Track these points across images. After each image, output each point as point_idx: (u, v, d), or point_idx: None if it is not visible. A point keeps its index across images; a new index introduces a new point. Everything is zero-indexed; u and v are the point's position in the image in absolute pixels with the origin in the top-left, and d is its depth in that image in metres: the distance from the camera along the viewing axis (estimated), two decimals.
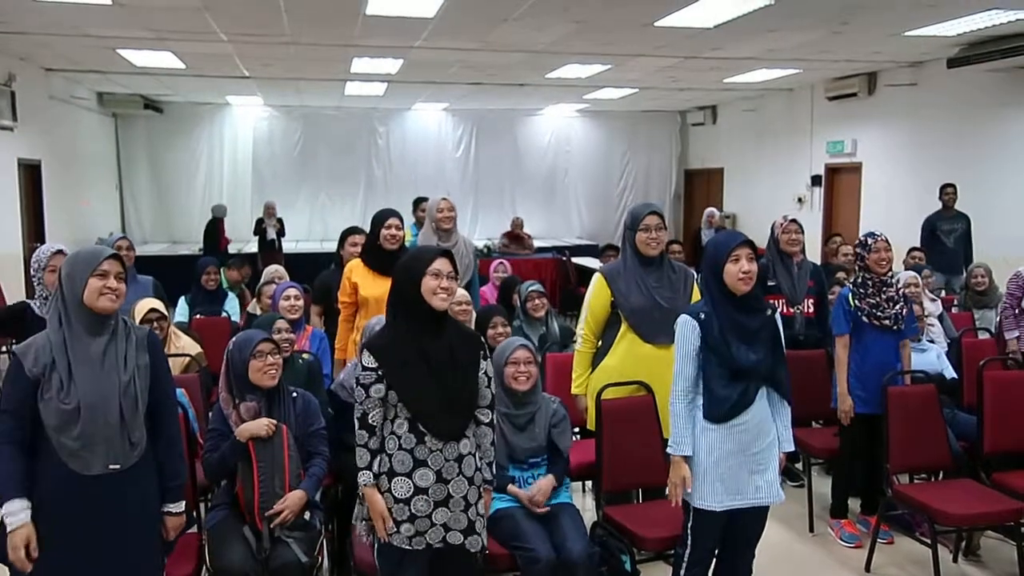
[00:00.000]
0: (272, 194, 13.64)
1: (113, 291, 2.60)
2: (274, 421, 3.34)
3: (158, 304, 4.32)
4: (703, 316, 3.12)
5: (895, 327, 4.37)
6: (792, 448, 3.25)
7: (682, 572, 3.23)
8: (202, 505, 3.82)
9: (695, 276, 4.01)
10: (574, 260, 11.80)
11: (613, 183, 15.98)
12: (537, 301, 5.50)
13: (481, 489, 2.95)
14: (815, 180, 12.12)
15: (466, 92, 12.51)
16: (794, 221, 5.17)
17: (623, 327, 3.85)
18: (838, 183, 11.89)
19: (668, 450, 3.18)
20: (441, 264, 2.82)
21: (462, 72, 10.54)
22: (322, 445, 3.51)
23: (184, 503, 2.84)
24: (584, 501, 4.90)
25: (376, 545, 2.90)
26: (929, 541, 3.90)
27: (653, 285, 3.81)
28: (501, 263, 7.36)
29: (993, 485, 4.11)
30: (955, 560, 4.28)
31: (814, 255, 7.55)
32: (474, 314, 4.83)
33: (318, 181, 14.83)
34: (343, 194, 14.86)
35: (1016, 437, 4.29)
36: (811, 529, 4.67)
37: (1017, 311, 5.52)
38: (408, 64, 9.84)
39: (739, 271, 3.05)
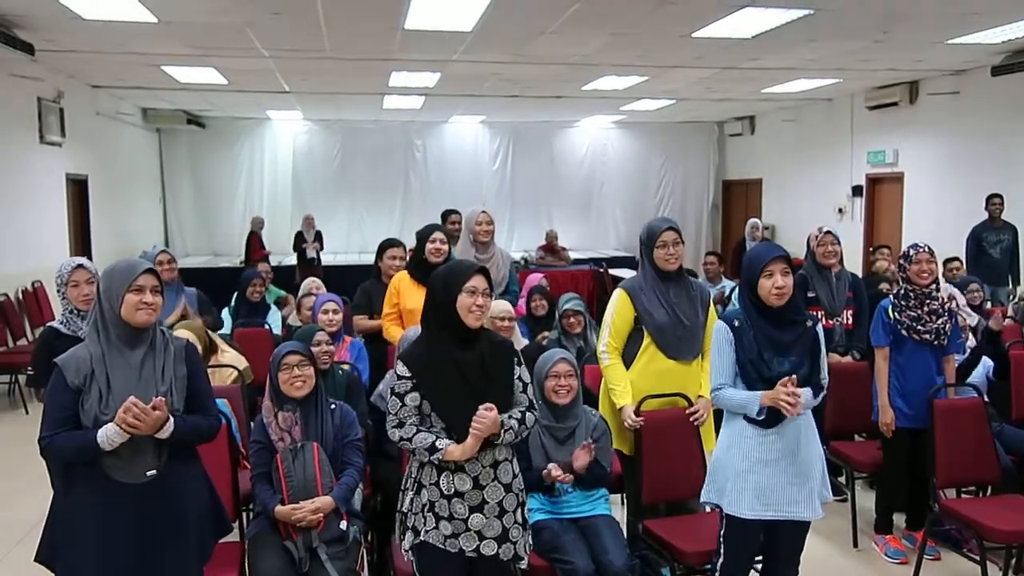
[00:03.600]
0: (311, 207, 13.82)
1: (149, 305, 2.65)
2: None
3: (194, 337, 4.09)
4: (737, 323, 3.12)
5: (936, 342, 4.29)
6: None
7: None
8: (245, 514, 3.85)
9: (711, 293, 4.01)
10: (611, 272, 11.77)
11: (650, 194, 15.93)
12: (573, 319, 5.50)
13: (519, 495, 2.95)
14: (856, 190, 11.98)
15: (503, 104, 12.57)
16: (829, 233, 5.12)
17: (645, 342, 3.82)
18: (879, 193, 11.73)
19: (754, 402, 3.06)
20: (477, 282, 2.83)
21: (499, 85, 10.60)
22: (356, 456, 3.52)
23: (171, 425, 2.65)
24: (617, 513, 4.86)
25: (413, 545, 2.90)
26: (978, 558, 3.80)
27: (674, 301, 3.79)
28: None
29: None
30: None
31: (855, 266, 7.45)
32: (517, 329, 4.84)
33: (356, 194, 14.98)
34: (381, 206, 14.99)
35: None
36: (855, 544, 4.59)
37: None
38: (445, 77, 9.92)
39: (772, 286, 3.04)
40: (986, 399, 4.61)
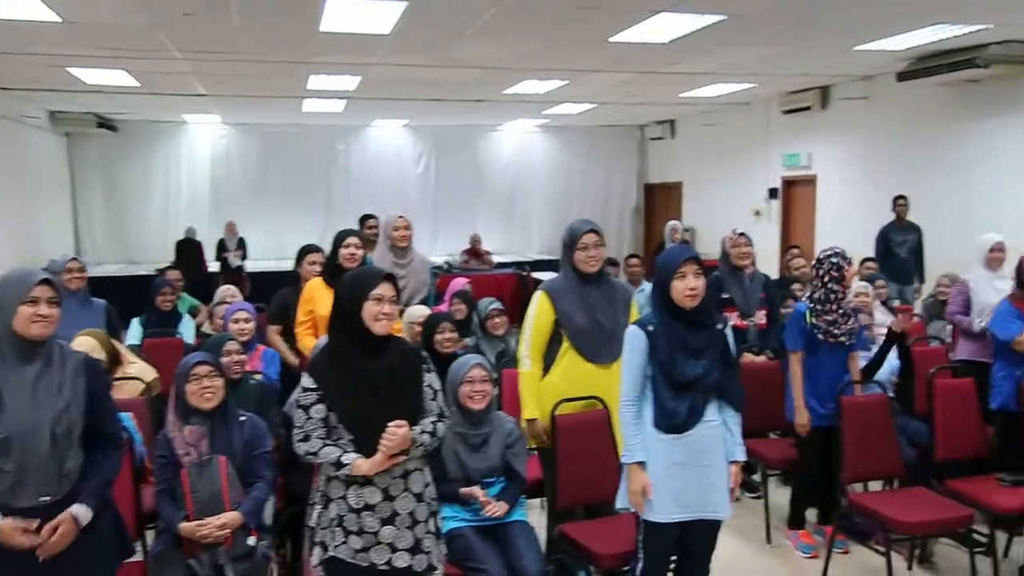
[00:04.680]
0: (231, 213, 13.48)
1: (44, 318, 2.53)
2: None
3: (96, 350, 4.00)
4: (651, 328, 3.13)
5: (848, 342, 4.42)
6: (744, 457, 3.26)
7: None
8: (149, 532, 3.72)
9: (632, 293, 4.02)
10: (534, 275, 11.80)
11: (573, 198, 16.03)
12: (497, 319, 5.52)
13: (431, 504, 2.92)
14: (772, 193, 12.28)
15: (425, 108, 12.49)
16: (743, 235, 5.23)
17: (564, 345, 3.81)
18: (794, 196, 12.05)
19: (622, 459, 3.20)
20: (384, 289, 2.79)
21: (421, 88, 10.53)
22: (265, 469, 3.44)
23: (90, 512, 2.63)
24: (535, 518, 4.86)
25: (322, 560, 2.84)
26: (883, 550, 3.92)
27: (594, 303, 3.79)
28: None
29: (945, 492, 4.16)
30: (910, 568, 4.32)
31: (772, 267, 7.62)
32: None
33: (277, 199, 14.67)
34: (303, 212, 14.71)
35: (967, 444, 4.35)
36: (768, 540, 4.69)
37: (960, 323, 5.55)
38: (366, 81, 9.81)
39: (686, 288, 3.08)
40: (891, 395, 4.78)
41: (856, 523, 4.38)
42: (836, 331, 4.37)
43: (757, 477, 5.32)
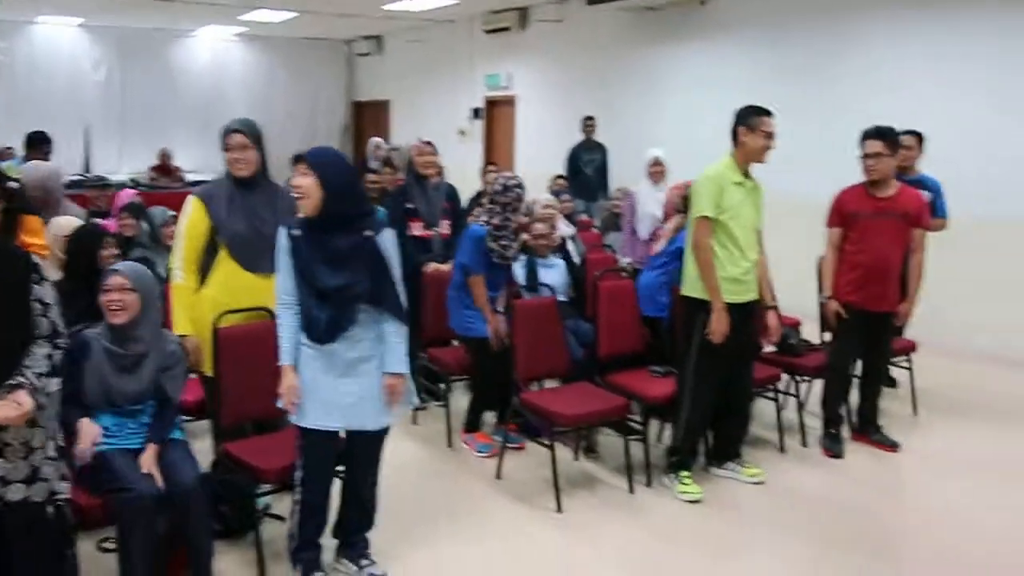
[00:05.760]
0: None
1: None
2: None
3: None
4: (295, 233, 3.01)
5: (513, 261, 4.76)
6: (402, 369, 3.15)
7: (297, 494, 3.16)
8: None
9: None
10: None
11: (277, 113, 15.18)
12: (172, 228, 5.03)
13: (51, 429, 2.58)
14: (476, 113, 12.44)
15: (103, 5, 11.14)
16: (429, 143, 5.19)
17: (221, 254, 3.55)
18: (497, 116, 12.31)
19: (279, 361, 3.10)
20: None
21: None
22: None
23: None
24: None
25: None
26: (549, 444, 4.11)
27: (252, 209, 3.55)
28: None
29: (606, 386, 4.45)
30: (576, 458, 4.60)
31: (476, 187, 7.74)
32: None
33: None
34: None
35: (626, 341, 4.67)
36: (449, 444, 4.78)
37: (632, 233, 5.98)
38: None
39: (293, 189, 3.01)
40: (564, 300, 5.02)
41: (528, 421, 4.57)
42: (508, 254, 4.61)
43: (443, 385, 5.39)
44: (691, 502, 4.13)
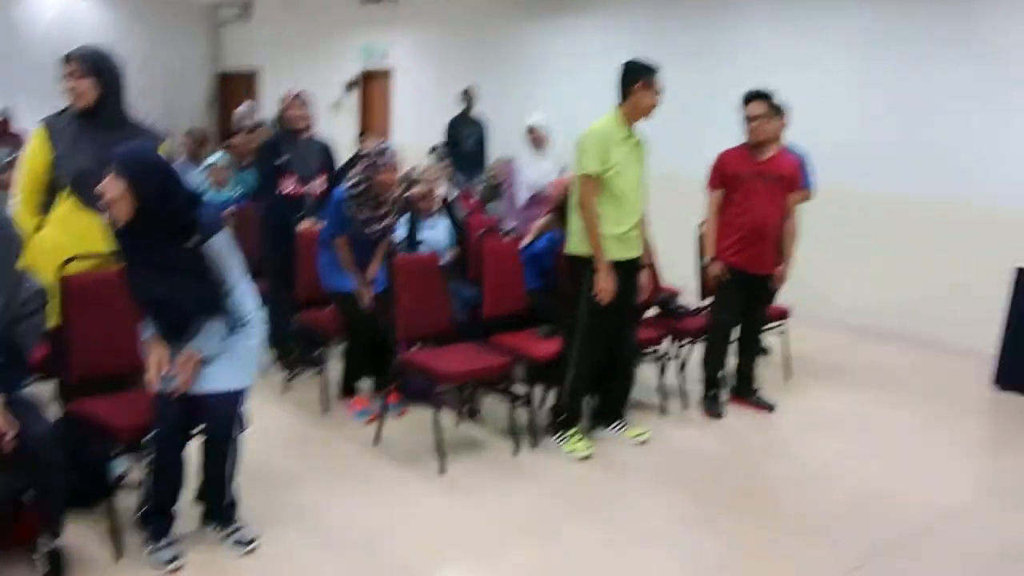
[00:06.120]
0: None
1: None
2: None
3: None
4: (118, 231, 2.81)
5: (383, 238, 4.45)
6: (204, 351, 2.88)
7: (149, 455, 2.94)
8: None
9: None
10: None
11: (134, 81, 14.28)
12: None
13: None
14: (351, 84, 12.06)
15: None
16: (299, 95, 4.94)
17: (65, 192, 3.24)
18: (373, 88, 11.96)
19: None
20: None
21: None
22: None
23: None
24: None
25: None
26: (433, 404, 3.94)
27: (102, 145, 3.17)
28: None
29: (491, 346, 4.31)
30: (459, 424, 4.44)
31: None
32: None
33: None
34: None
35: (510, 300, 4.54)
36: (325, 411, 4.52)
37: (513, 201, 5.86)
38: None
39: None
40: (445, 261, 4.85)
41: (410, 383, 4.39)
42: (362, 217, 4.35)
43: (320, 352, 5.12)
44: (582, 459, 4.05)
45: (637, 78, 4.00)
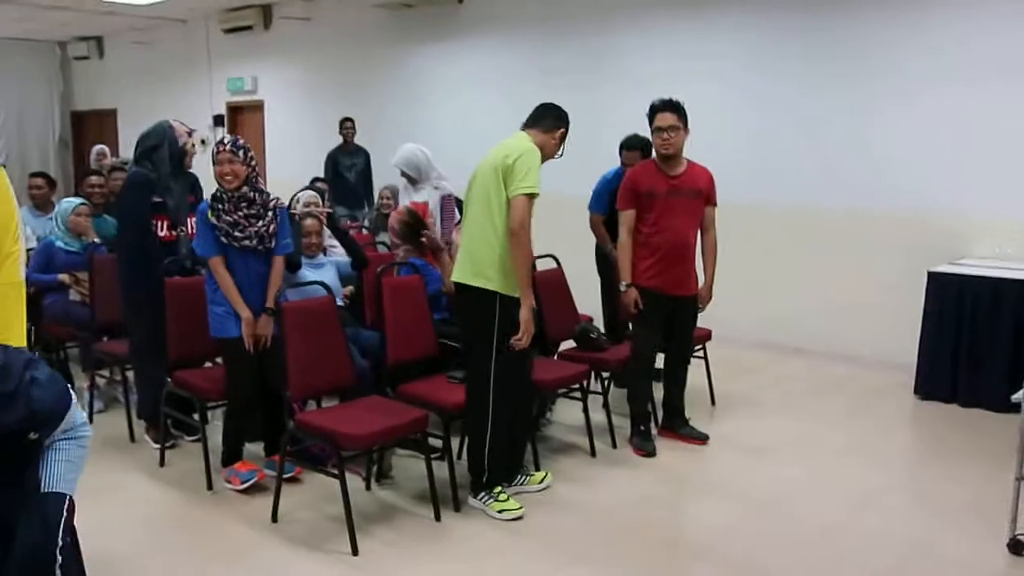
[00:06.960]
0: None
1: None
2: None
3: None
4: None
5: (261, 246, 3.75)
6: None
7: None
8: None
9: None
10: None
11: None
12: None
13: None
14: (217, 120, 11.32)
15: None
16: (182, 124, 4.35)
17: None
18: (242, 122, 11.27)
19: None
20: None
21: None
22: None
23: None
24: None
25: None
26: (337, 472, 3.38)
27: None
28: None
29: (399, 398, 3.80)
30: (368, 487, 3.89)
31: None
32: None
33: None
34: None
35: (417, 344, 4.05)
36: (209, 487, 3.88)
37: None
38: None
39: None
40: (342, 304, 4.34)
41: (308, 448, 3.82)
42: (239, 233, 3.69)
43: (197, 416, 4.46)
44: (513, 519, 3.57)
45: (561, 125, 3.74)
